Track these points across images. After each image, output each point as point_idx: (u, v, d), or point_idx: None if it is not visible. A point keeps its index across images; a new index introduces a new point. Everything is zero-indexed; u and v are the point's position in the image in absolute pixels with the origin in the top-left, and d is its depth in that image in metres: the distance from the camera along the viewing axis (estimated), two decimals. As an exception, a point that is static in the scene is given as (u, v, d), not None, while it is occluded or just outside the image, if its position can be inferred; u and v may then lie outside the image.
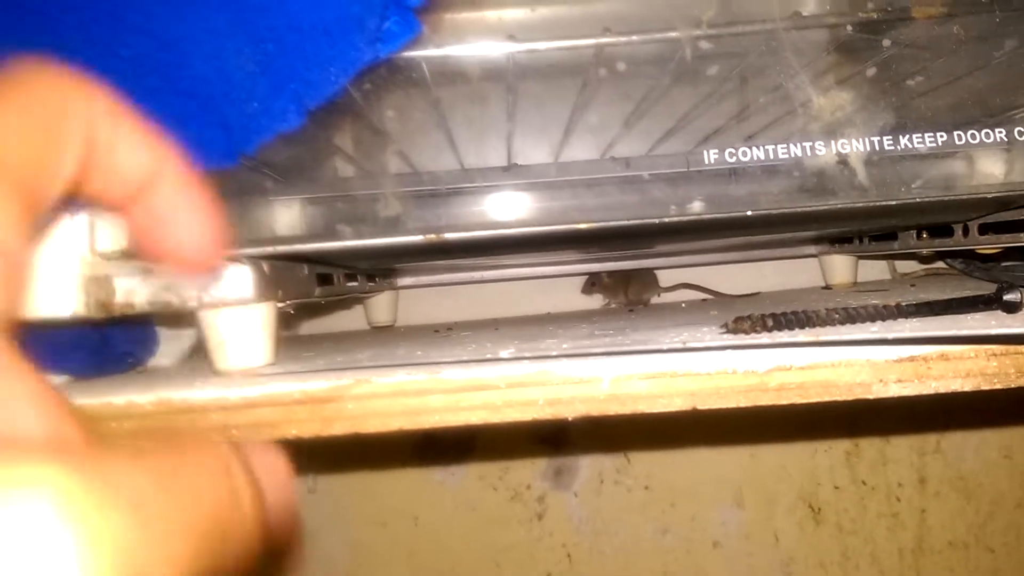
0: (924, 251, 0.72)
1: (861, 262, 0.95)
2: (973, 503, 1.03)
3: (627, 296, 0.97)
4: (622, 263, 0.93)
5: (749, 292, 0.97)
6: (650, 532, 1.04)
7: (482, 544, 1.04)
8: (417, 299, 0.98)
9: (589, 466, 1.04)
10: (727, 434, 1.03)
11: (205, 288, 0.43)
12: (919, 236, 0.72)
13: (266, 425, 0.38)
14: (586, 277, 0.97)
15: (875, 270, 1.01)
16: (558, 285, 0.99)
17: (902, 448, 1.03)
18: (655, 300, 0.99)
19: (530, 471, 1.04)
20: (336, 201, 0.41)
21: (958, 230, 0.65)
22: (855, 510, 1.04)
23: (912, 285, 0.82)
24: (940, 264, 0.96)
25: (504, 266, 0.86)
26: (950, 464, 1.03)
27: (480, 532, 1.04)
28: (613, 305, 0.98)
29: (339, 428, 0.38)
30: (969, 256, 0.86)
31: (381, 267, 0.67)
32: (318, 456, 1.01)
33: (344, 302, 0.94)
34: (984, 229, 0.62)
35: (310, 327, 0.98)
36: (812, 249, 0.92)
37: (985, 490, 1.03)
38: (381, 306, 0.92)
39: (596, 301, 0.99)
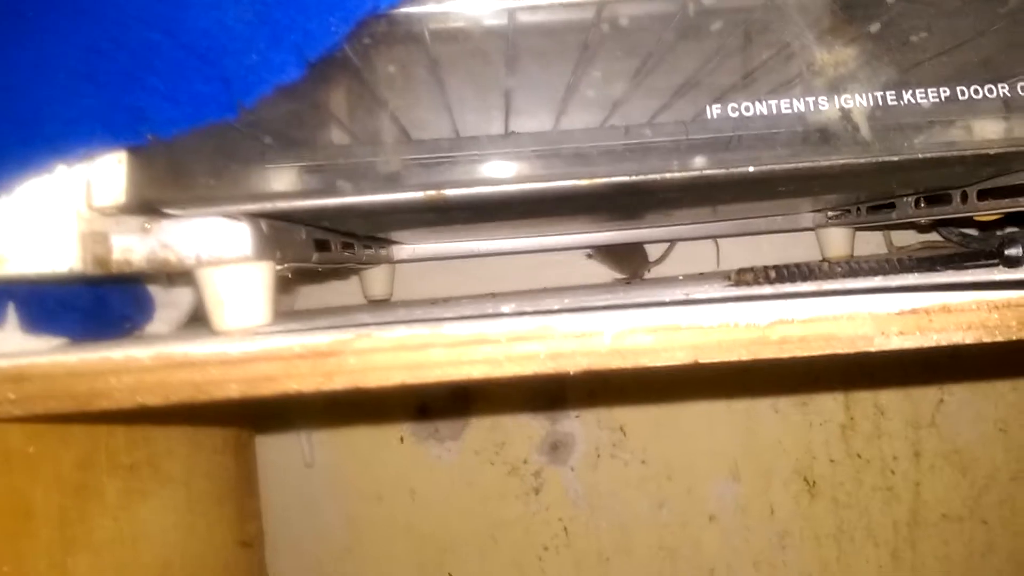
0: (922, 220, 0.72)
1: (857, 237, 0.95)
2: (968, 476, 1.04)
3: (619, 270, 0.97)
4: (610, 235, 0.92)
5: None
6: (646, 506, 1.05)
7: (479, 518, 1.04)
8: (413, 274, 0.98)
9: (585, 440, 1.05)
10: (723, 408, 1.04)
11: (205, 246, 0.42)
12: (917, 205, 0.72)
13: (266, 379, 0.37)
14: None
15: (871, 244, 1.02)
16: (553, 261, 0.99)
17: (897, 422, 1.04)
18: (649, 275, 0.99)
19: (527, 445, 1.05)
20: (335, 156, 0.41)
21: (956, 197, 0.65)
22: (850, 483, 1.04)
23: (910, 257, 0.82)
24: (936, 237, 0.96)
25: (501, 235, 0.86)
26: (945, 438, 1.04)
27: (477, 506, 1.04)
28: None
29: (340, 382, 0.38)
30: (966, 226, 0.86)
31: (379, 232, 0.67)
32: (316, 428, 1.01)
33: (340, 273, 0.93)
34: (983, 195, 0.62)
35: (306, 302, 0.97)
36: (809, 222, 0.92)
37: (980, 463, 1.04)
38: (377, 280, 0.91)
39: (584, 276, 0.99)
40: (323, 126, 0.41)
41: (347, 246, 0.68)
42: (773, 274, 0.36)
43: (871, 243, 1.01)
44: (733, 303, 0.36)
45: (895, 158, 0.41)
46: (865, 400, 1.04)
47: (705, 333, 0.37)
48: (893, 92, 0.41)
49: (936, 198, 0.69)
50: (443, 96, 0.44)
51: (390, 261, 0.90)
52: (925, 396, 1.04)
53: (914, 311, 0.37)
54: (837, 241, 0.91)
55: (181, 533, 0.59)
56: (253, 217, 0.43)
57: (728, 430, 1.04)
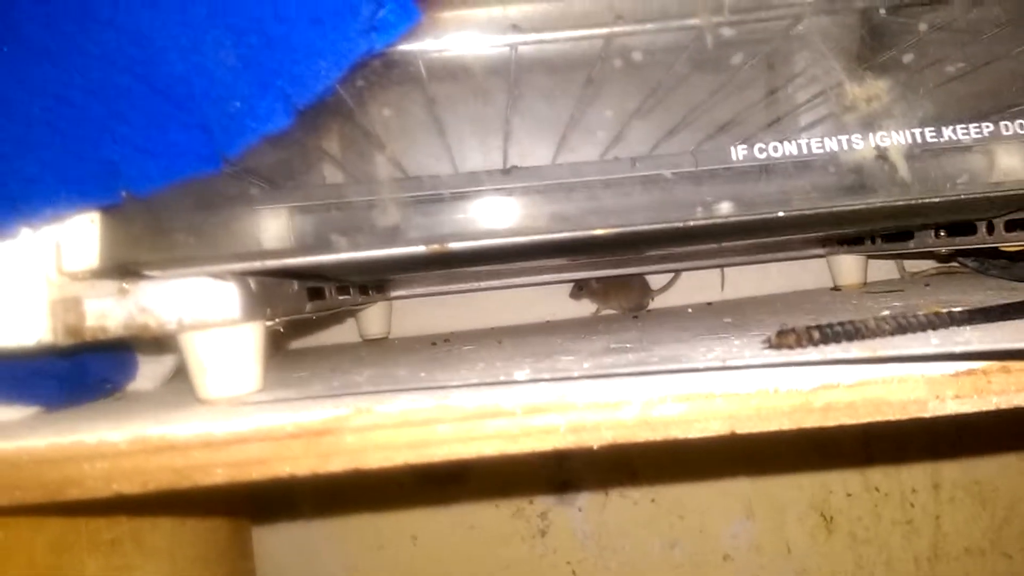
0: (943, 250, 0.69)
1: (869, 262, 0.92)
2: (989, 508, 1.00)
3: (619, 301, 0.94)
4: (615, 269, 0.89)
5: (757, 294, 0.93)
6: (658, 547, 1.00)
7: (483, 563, 1.00)
8: (410, 309, 0.95)
9: (593, 480, 1.01)
10: (735, 443, 1.00)
11: (187, 309, 0.39)
12: (936, 235, 0.69)
13: (256, 463, 0.34)
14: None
15: (882, 270, 0.98)
16: (551, 292, 0.95)
17: (915, 452, 1.00)
18: (652, 305, 0.96)
19: (532, 486, 1.00)
20: (328, 209, 0.37)
21: (982, 227, 0.62)
22: (869, 518, 1.00)
23: (926, 285, 0.79)
24: (952, 264, 0.93)
25: (504, 275, 0.83)
26: (965, 468, 1.00)
27: (481, 550, 1.00)
28: (605, 311, 0.95)
29: (337, 464, 0.34)
30: (985, 255, 0.83)
31: (377, 279, 0.63)
32: (311, 481, 0.97)
33: (336, 316, 0.90)
34: (1011, 226, 0.59)
35: (300, 340, 0.94)
36: (820, 249, 0.89)
37: (1001, 494, 1.00)
38: (374, 318, 0.88)
39: (585, 307, 0.96)
40: (315, 175, 0.37)
41: (342, 291, 0.64)
42: (817, 335, 0.32)
43: (882, 269, 0.97)
44: (772, 368, 0.33)
45: (935, 199, 0.38)
46: (882, 430, 1.00)
47: (742, 401, 0.33)
48: (932, 128, 0.38)
49: (958, 228, 0.66)
50: (442, 138, 0.41)
51: (387, 299, 0.86)
52: (943, 425, 1.00)
53: (971, 372, 0.33)
54: (849, 269, 0.87)
55: (168, 607, 0.55)
56: (240, 275, 0.39)
57: (740, 466, 1.00)
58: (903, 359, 0.30)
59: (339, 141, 0.38)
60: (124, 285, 0.39)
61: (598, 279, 0.93)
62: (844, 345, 0.33)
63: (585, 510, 1.00)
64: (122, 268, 0.37)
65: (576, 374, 0.34)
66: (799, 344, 0.32)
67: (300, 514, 0.97)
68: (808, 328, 0.33)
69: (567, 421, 0.34)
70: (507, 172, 0.41)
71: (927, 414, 0.34)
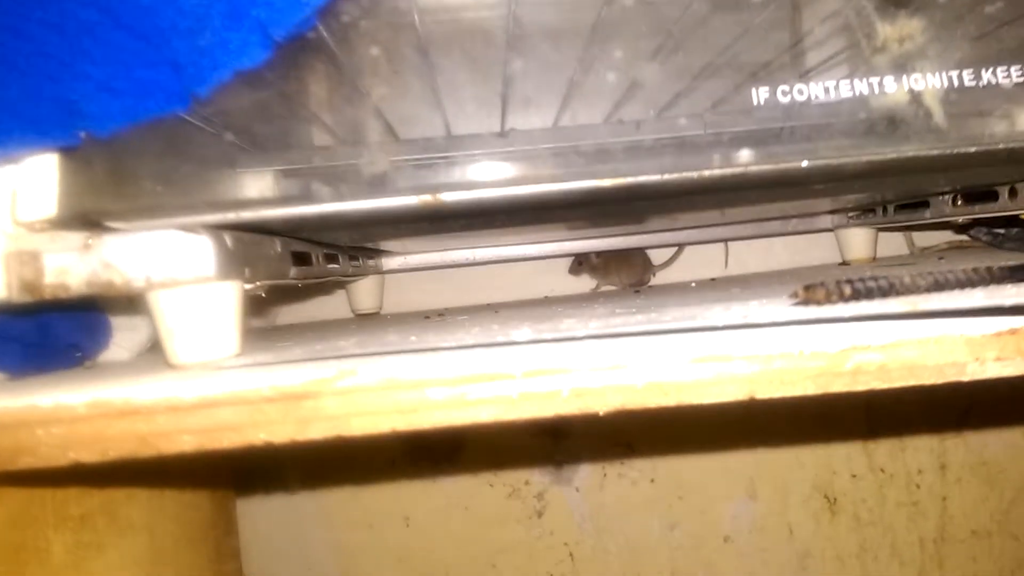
0: (960, 219, 0.66)
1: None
2: (996, 489, 0.98)
3: (619, 277, 0.91)
4: (612, 240, 0.86)
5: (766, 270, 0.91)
6: (657, 528, 0.98)
7: (478, 545, 0.98)
8: (403, 284, 0.91)
9: (591, 459, 0.98)
10: (737, 422, 0.97)
11: (156, 265, 0.35)
12: (954, 203, 0.66)
13: (228, 429, 0.31)
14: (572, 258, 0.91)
15: (891, 246, 0.95)
16: (549, 268, 0.92)
17: (922, 433, 0.98)
18: (653, 281, 0.93)
19: (528, 465, 0.98)
20: (312, 157, 0.34)
21: (1003, 193, 0.59)
22: (873, 499, 0.98)
23: (940, 258, 0.76)
24: (962, 237, 0.90)
25: (496, 242, 0.79)
26: (972, 449, 0.98)
27: (475, 532, 0.97)
28: (605, 287, 0.92)
29: (318, 430, 0.31)
30: (1002, 224, 0.80)
31: (365, 242, 0.60)
32: (298, 454, 0.94)
33: (324, 287, 0.86)
34: (1035, 191, 0.56)
35: (289, 316, 0.91)
36: (828, 223, 0.86)
37: (1008, 475, 0.98)
38: (365, 292, 0.85)
39: (585, 283, 0.93)
40: (295, 120, 0.34)
41: (330, 258, 0.61)
42: (848, 290, 0.29)
43: (891, 243, 0.94)
44: (795, 326, 0.30)
45: (973, 149, 0.35)
46: (887, 410, 0.97)
47: (764, 363, 0.30)
48: (971, 70, 0.35)
49: (977, 195, 0.62)
50: (434, 84, 0.37)
51: (379, 272, 0.83)
52: (950, 405, 0.98)
53: (1014, 331, 0.30)
54: (859, 242, 0.84)
55: (145, 587, 0.52)
56: (215, 229, 0.36)
57: (742, 446, 0.97)
58: (948, 313, 0.27)
59: (322, 88, 0.35)
60: (88, 240, 0.36)
61: (598, 254, 0.90)
62: (877, 303, 0.30)
63: (583, 490, 0.98)
64: (84, 218, 0.34)
65: (581, 334, 0.31)
66: (829, 299, 0.29)
67: (288, 491, 0.94)
68: (839, 282, 0.30)
69: (571, 385, 0.31)
70: (504, 135, 0.38)
71: (966, 378, 0.31)
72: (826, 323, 0.29)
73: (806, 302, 0.30)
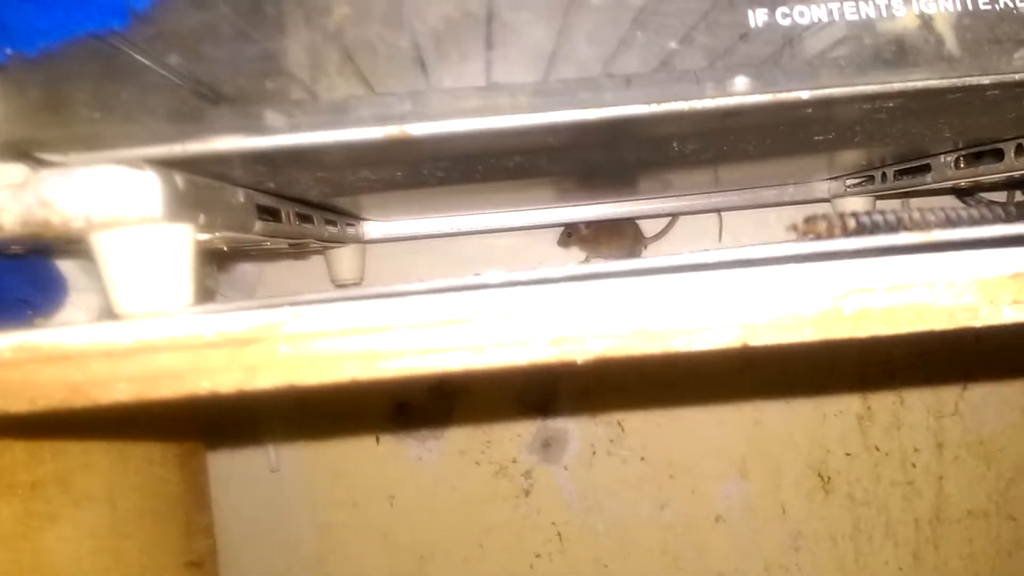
0: (963, 182, 0.63)
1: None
2: (994, 468, 0.96)
3: (610, 249, 0.88)
4: (602, 209, 0.83)
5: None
6: (647, 507, 0.96)
7: (464, 524, 0.95)
8: (387, 255, 0.89)
9: (580, 436, 0.95)
10: (729, 399, 0.95)
11: (96, 203, 0.32)
12: (957, 165, 0.63)
13: (167, 376, 0.28)
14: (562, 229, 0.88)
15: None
16: (538, 239, 0.89)
17: (918, 411, 0.95)
18: (645, 253, 0.90)
19: (515, 443, 0.95)
20: (264, 83, 0.31)
21: (1010, 152, 0.56)
22: (868, 478, 0.96)
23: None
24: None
25: (479, 207, 0.76)
26: (969, 427, 0.96)
27: (462, 511, 0.95)
28: (595, 259, 0.89)
29: (267, 378, 0.28)
30: (996, 191, 0.78)
31: (336, 196, 0.57)
32: (280, 429, 0.91)
33: (300, 252, 0.83)
34: (1044, 150, 0.54)
35: (265, 290, 0.88)
36: (824, 192, 0.83)
37: (1006, 454, 0.96)
38: (345, 261, 0.82)
39: (574, 256, 0.90)
40: (247, 43, 0.31)
41: (304, 218, 0.58)
42: (852, 224, 0.26)
43: (889, 216, 0.92)
44: (794, 264, 0.27)
45: (987, 79, 0.32)
46: (883, 388, 0.95)
47: (758, 305, 0.27)
48: (986, -7, 0.32)
49: (982, 155, 0.60)
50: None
51: (359, 241, 0.80)
52: (947, 382, 0.95)
53: (1032, 273, 0.28)
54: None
55: (104, 560, 0.49)
56: (163, 167, 0.33)
57: (734, 423, 0.95)
58: (962, 245, 0.25)
59: (278, 3, 0.32)
60: (24, 173, 0.33)
61: (587, 224, 0.87)
62: (888, 237, 0.27)
63: (571, 468, 0.95)
64: (15, 149, 0.31)
65: (559, 275, 0.28)
66: (831, 232, 0.27)
67: (268, 468, 0.92)
68: (842, 215, 0.27)
69: (548, 330, 0.28)
70: (488, 89, 0.35)
71: (979, 323, 0.28)
72: (827, 259, 0.26)
73: (805, 234, 0.27)
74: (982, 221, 0.28)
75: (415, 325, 0.28)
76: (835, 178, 0.80)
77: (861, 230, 0.27)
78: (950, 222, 0.28)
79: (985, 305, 0.28)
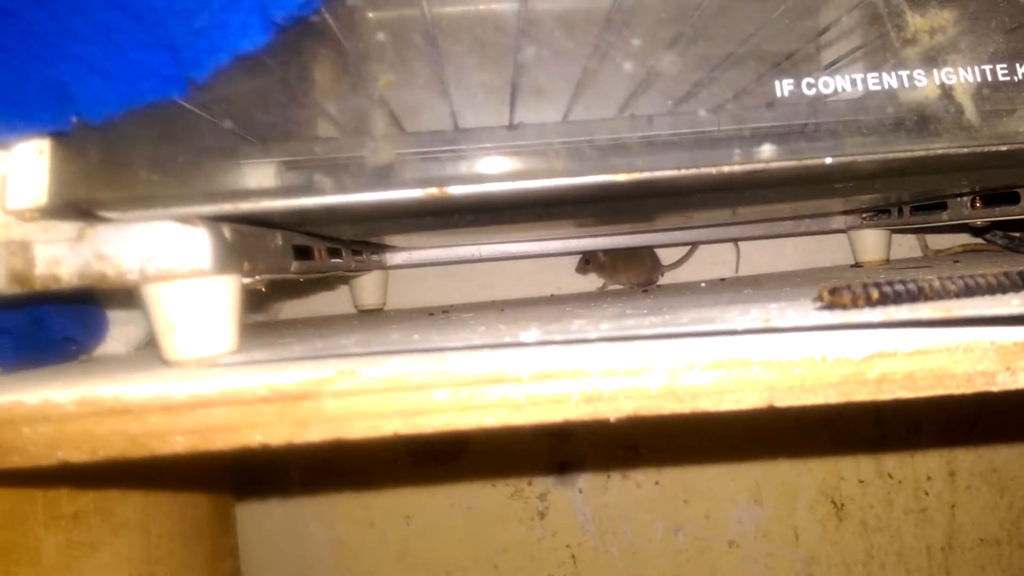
0: (979, 222, 0.64)
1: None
2: (1007, 497, 0.96)
3: (627, 276, 0.89)
4: (621, 238, 0.84)
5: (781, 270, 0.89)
6: (661, 531, 0.97)
7: (479, 545, 0.96)
8: (408, 280, 0.90)
9: (595, 460, 0.96)
10: (744, 426, 0.96)
11: (150, 257, 0.34)
12: (973, 205, 0.64)
13: (221, 430, 0.29)
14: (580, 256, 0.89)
15: (903, 247, 0.94)
16: (556, 266, 0.91)
17: (931, 439, 0.96)
18: (661, 280, 0.91)
19: (531, 466, 0.96)
20: (314, 147, 0.33)
21: (1025, 195, 0.57)
22: (881, 506, 0.96)
23: (956, 262, 0.74)
24: (977, 241, 0.88)
25: (502, 238, 0.78)
26: (982, 456, 0.96)
27: (477, 532, 0.96)
28: (612, 286, 0.91)
29: (317, 433, 0.29)
30: (1015, 229, 0.79)
31: (369, 237, 0.58)
32: (299, 452, 0.92)
33: (327, 282, 0.85)
34: (1059, 194, 0.55)
35: (292, 311, 0.89)
36: (840, 223, 0.84)
37: (1019, 483, 0.96)
38: (369, 287, 0.83)
39: (591, 282, 0.91)
40: (297, 108, 0.33)
41: (334, 252, 0.60)
42: (876, 294, 0.28)
43: (903, 246, 0.93)
44: (821, 331, 0.28)
45: (1005, 147, 0.33)
46: (897, 416, 0.96)
47: (784, 369, 0.29)
48: (1004, 64, 0.33)
49: (997, 197, 0.61)
50: (441, 73, 0.36)
51: (382, 267, 0.82)
52: (961, 411, 0.96)
53: (1048, 340, 0.29)
54: (872, 244, 0.83)
55: (139, 587, 0.51)
56: (213, 221, 0.35)
57: (749, 449, 0.96)
58: (983, 321, 0.26)
59: (325, 75, 0.33)
60: (80, 229, 0.34)
61: (606, 252, 0.88)
62: (907, 307, 0.28)
63: (586, 492, 0.96)
64: (76, 207, 0.33)
65: (593, 336, 0.30)
66: (855, 303, 0.28)
67: (287, 489, 0.93)
68: (865, 285, 0.28)
69: (581, 389, 0.29)
70: (513, 128, 0.37)
71: (996, 388, 0.29)
72: (852, 328, 0.27)
73: (831, 306, 0.28)
74: (1000, 289, 0.29)
75: (456, 383, 0.29)
76: (852, 212, 0.81)
77: (884, 300, 0.28)
78: (969, 290, 0.29)
79: (1002, 371, 0.29)
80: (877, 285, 0.28)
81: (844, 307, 0.28)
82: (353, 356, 0.32)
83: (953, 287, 0.29)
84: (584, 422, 0.30)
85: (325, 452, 0.91)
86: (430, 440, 0.93)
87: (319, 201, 0.33)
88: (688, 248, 0.90)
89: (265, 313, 0.86)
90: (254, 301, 0.78)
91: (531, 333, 0.31)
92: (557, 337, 0.30)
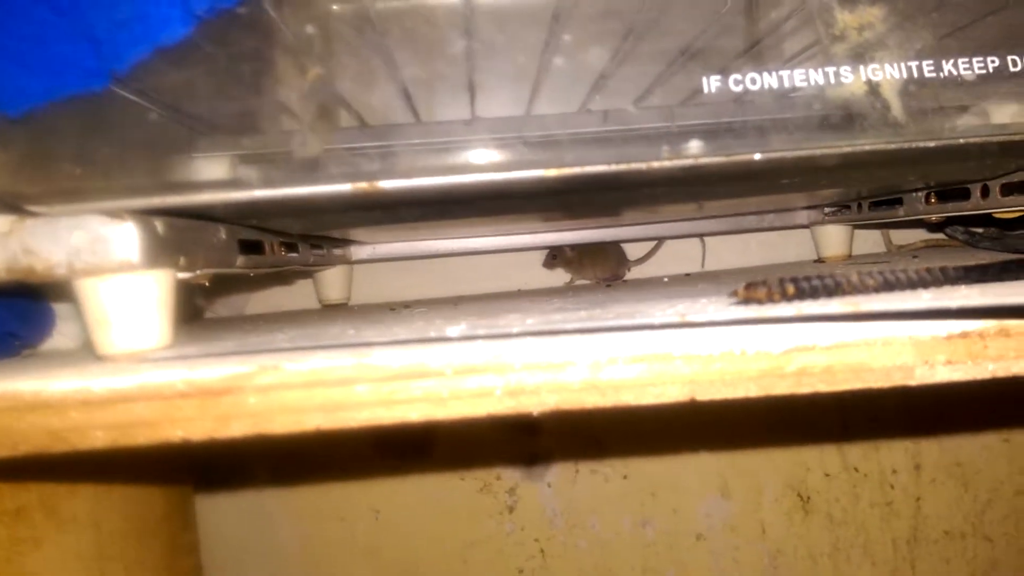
0: (933, 217, 0.65)
1: (855, 235, 0.88)
2: (971, 490, 0.97)
3: (594, 271, 0.89)
4: (588, 233, 0.85)
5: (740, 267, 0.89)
6: (629, 525, 0.97)
7: (448, 539, 0.96)
8: (374, 275, 0.90)
9: (563, 454, 0.97)
10: (710, 420, 0.96)
11: (78, 252, 0.34)
12: (928, 200, 0.65)
13: (142, 424, 0.29)
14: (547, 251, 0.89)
15: (868, 243, 0.94)
16: (526, 260, 0.91)
17: (896, 432, 0.97)
18: (628, 276, 0.92)
19: (500, 460, 0.97)
20: (239, 140, 0.32)
21: (976, 191, 0.58)
22: (846, 499, 0.97)
23: (914, 256, 0.75)
24: (939, 236, 0.89)
25: (465, 233, 0.78)
26: (947, 449, 0.97)
27: (446, 526, 0.96)
28: (579, 281, 0.91)
29: (238, 428, 0.29)
30: (977, 223, 0.79)
31: (317, 231, 0.58)
32: (267, 444, 0.92)
33: (284, 276, 0.85)
34: (1008, 190, 0.55)
35: (255, 306, 0.89)
36: (803, 219, 0.85)
37: (983, 476, 0.97)
38: (333, 282, 0.83)
39: (560, 276, 0.91)
40: (222, 101, 0.32)
41: (289, 247, 0.60)
42: (791, 288, 0.28)
43: (868, 241, 0.93)
44: (739, 326, 0.29)
45: (931, 144, 0.34)
46: (862, 409, 0.97)
47: (704, 363, 0.29)
48: (930, 62, 0.33)
49: (950, 193, 0.61)
50: (387, 68, 0.36)
51: (346, 262, 0.82)
52: (925, 405, 0.97)
53: (965, 335, 0.29)
54: (834, 240, 0.83)
55: (88, 582, 0.51)
56: (142, 215, 0.35)
57: (716, 443, 0.96)
58: (890, 315, 0.26)
59: (254, 64, 0.33)
60: (12, 222, 0.34)
61: (572, 247, 0.88)
62: (823, 302, 0.28)
63: (555, 486, 0.97)
64: (1, 201, 0.32)
65: (515, 330, 0.30)
66: (770, 298, 0.28)
67: (252, 483, 0.93)
68: (781, 280, 0.28)
69: (504, 383, 0.30)
70: (469, 123, 0.37)
71: (914, 382, 0.30)
72: (766, 324, 0.28)
73: (747, 301, 0.28)
74: (919, 284, 0.30)
75: (377, 378, 0.29)
76: (814, 207, 0.82)
77: (800, 295, 0.28)
78: (887, 285, 0.29)
79: (920, 365, 0.29)
80: (794, 280, 0.28)
81: (759, 302, 0.28)
82: (280, 351, 0.32)
83: (872, 282, 0.29)
84: (510, 416, 0.30)
85: (291, 447, 0.91)
86: (397, 435, 0.93)
87: (244, 195, 0.33)
88: (654, 243, 0.91)
89: (231, 306, 0.86)
90: (211, 295, 0.77)
91: (457, 327, 0.31)
92: (481, 331, 0.30)
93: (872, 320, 0.27)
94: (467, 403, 0.30)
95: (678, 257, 0.92)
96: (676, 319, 0.28)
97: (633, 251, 0.91)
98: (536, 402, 0.30)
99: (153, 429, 0.29)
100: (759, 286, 0.28)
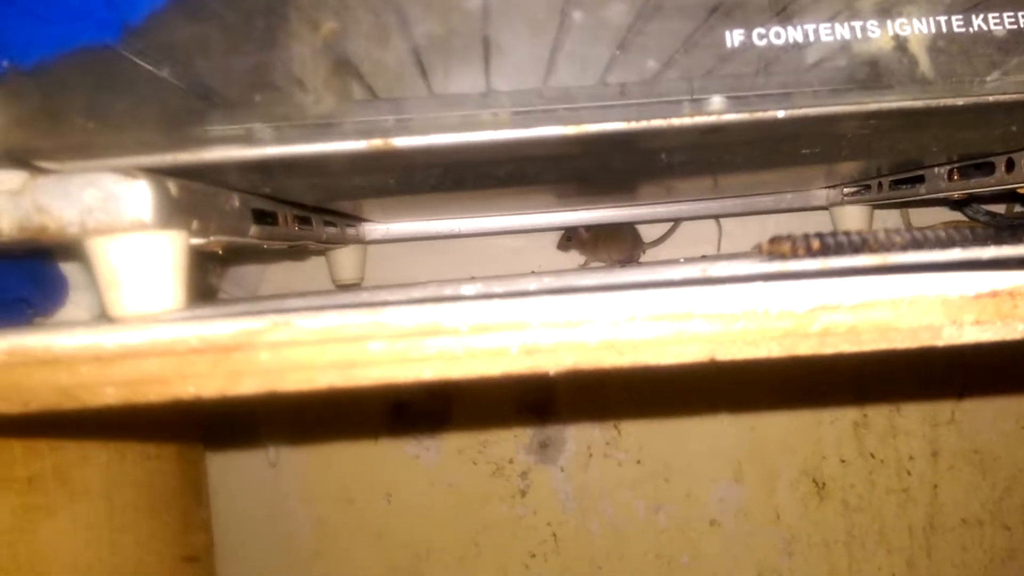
0: (956, 194, 0.63)
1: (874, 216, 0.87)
2: (989, 478, 0.96)
3: (608, 253, 0.88)
4: (603, 213, 0.84)
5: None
6: (642, 509, 0.96)
7: (460, 523, 0.96)
8: (388, 256, 0.90)
9: (576, 438, 0.96)
10: (725, 403, 0.95)
11: (91, 210, 0.33)
12: (950, 177, 0.64)
13: (153, 381, 0.29)
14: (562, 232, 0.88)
15: (886, 225, 0.93)
16: (540, 242, 0.90)
17: (914, 419, 0.96)
18: (643, 258, 0.91)
19: (513, 444, 0.96)
20: (253, 91, 0.32)
21: (1000, 166, 0.57)
22: (862, 485, 0.96)
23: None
24: (959, 216, 0.88)
25: (481, 212, 0.77)
26: (965, 436, 0.96)
27: (458, 510, 0.96)
28: (594, 263, 0.90)
29: (250, 384, 0.29)
30: (997, 203, 0.78)
31: (332, 201, 0.58)
32: (279, 426, 0.92)
33: (298, 253, 0.84)
34: (1034, 164, 0.54)
35: (269, 287, 0.89)
36: (822, 200, 0.84)
37: (1002, 464, 0.96)
38: (346, 262, 0.83)
39: (574, 259, 0.90)
40: (237, 56, 0.32)
41: (303, 221, 0.59)
42: (817, 243, 0.27)
43: (887, 222, 0.92)
44: (761, 282, 0.28)
45: (960, 101, 0.33)
46: (880, 395, 0.95)
47: (726, 322, 0.28)
48: (960, 16, 0.32)
49: (973, 169, 0.60)
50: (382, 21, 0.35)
51: (360, 241, 0.81)
52: (944, 392, 0.96)
53: (994, 294, 0.28)
54: (854, 220, 0.82)
55: (100, 553, 0.50)
56: (155, 174, 0.34)
57: (730, 428, 0.96)
58: (919, 267, 0.25)
59: (268, 17, 0.33)
60: (25, 180, 0.34)
61: (587, 228, 0.88)
62: (847, 258, 0.28)
63: (567, 470, 0.96)
64: (12, 157, 0.32)
65: (532, 287, 0.29)
66: (795, 253, 0.27)
67: (266, 464, 0.93)
68: (807, 235, 0.28)
69: (521, 342, 0.29)
70: (485, 96, 0.36)
71: (941, 342, 0.29)
72: (792, 279, 0.27)
73: (771, 255, 0.28)
74: (948, 243, 0.29)
75: (391, 335, 0.29)
76: (833, 187, 0.81)
77: (825, 251, 0.28)
78: (915, 243, 0.28)
79: (948, 325, 0.29)
80: (820, 235, 0.28)
81: (784, 257, 0.27)
82: (292, 311, 0.32)
83: (899, 239, 0.28)
84: (525, 375, 0.29)
85: (304, 427, 0.91)
86: (410, 415, 0.93)
87: (259, 152, 0.32)
88: (671, 225, 0.90)
89: (243, 288, 0.86)
90: (225, 274, 0.77)
91: (472, 287, 0.31)
92: (497, 290, 0.30)
93: (900, 273, 0.26)
94: (482, 361, 0.29)
95: (694, 239, 0.91)
96: (697, 274, 0.28)
97: (648, 233, 0.90)
98: (553, 361, 0.29)
99: (164, 386, 0.29)
100: (783, 240, 0.27)
